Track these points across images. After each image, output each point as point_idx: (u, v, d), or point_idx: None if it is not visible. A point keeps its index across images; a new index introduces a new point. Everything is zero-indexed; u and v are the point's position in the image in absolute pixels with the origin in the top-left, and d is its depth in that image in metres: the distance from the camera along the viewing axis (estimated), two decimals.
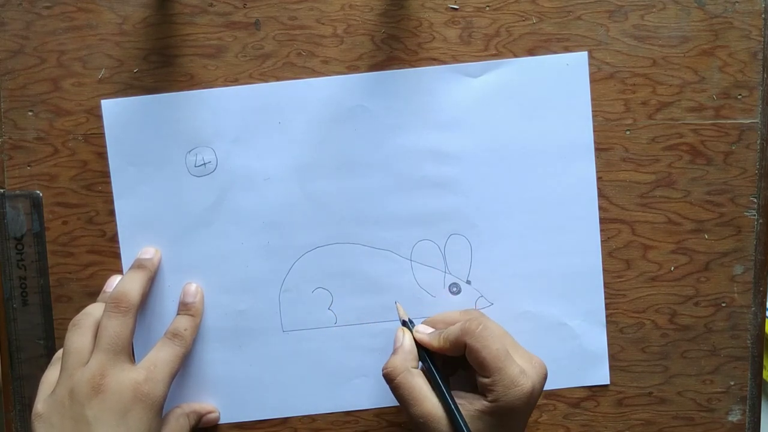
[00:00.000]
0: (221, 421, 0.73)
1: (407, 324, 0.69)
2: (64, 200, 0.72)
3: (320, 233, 0.72)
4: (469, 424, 0.62)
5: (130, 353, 0.67)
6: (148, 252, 0.72)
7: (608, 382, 0.74)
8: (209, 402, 0.73)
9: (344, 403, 0.73)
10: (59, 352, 0.68)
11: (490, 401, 0.62)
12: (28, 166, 0.72)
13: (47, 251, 0.72)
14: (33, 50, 0.71)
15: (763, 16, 0.72)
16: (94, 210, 0.72)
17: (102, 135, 0.72)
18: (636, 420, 0.74)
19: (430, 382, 0.65)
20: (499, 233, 0.72)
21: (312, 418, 0.74)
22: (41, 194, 0.72)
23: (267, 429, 0.74)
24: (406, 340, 0.68)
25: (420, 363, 0.67)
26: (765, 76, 0.72)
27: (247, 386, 0.73)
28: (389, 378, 0.65)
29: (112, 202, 0.72)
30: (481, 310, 0.73)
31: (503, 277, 0.73)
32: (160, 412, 0.66)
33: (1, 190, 0.72)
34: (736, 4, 0.71)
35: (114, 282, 0.72)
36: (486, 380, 0.62)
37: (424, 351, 0.67)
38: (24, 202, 0.72)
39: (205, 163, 0.72)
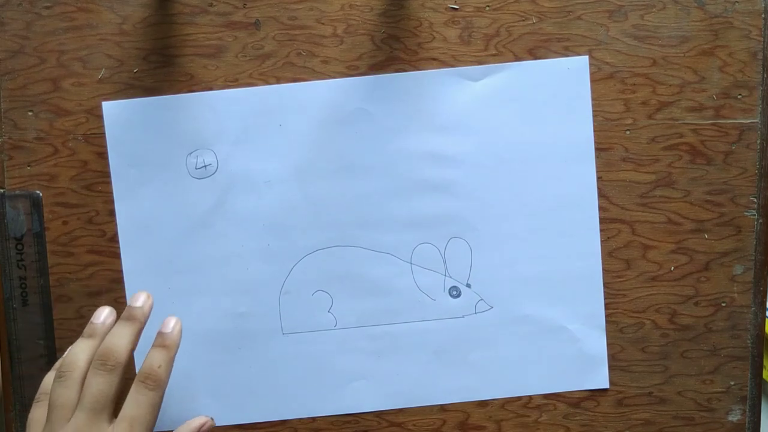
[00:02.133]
0: (221, 423, 0.73)
1: None
2: (64, 200, 0.72)
3: (320, 236, 0.72)
4: None
5: (112, 412, 0.66)
6: (139, 299, 0.69)
7: (607, 386, 0.74)
8: (205, 403, 0.73)
9: (344, 406, 0.73)
10: (46, 380, 0.68)
11: None
12: (28, 166, 0.72)
13: (47, 251, 0.72)
14: (33, 50, 0.71)
15: (763, 16, 0.72)
16: (94, 210, 0.72)
17: (102, 135, 0.72)
18: (636, 420, 0.74)
19: None
20: (499, 237, 0.72)
21: (312, 418, 0.74)
22: (41, 194, 0.72)
23: (267, 429, 0.74)
24: None
25: None
26: (765, 76, 0.72)
27: (246, 389, 0.73)
28: None
29: (112, 202, 0.72)
30: (481, 314, 0.73)
31: (503, 281, 0.73)
32: None
33: (1, 190, 0.72)
34: (736, 4, 0.71)
35: (101, 314, 0.69)
36: None
37: None
38: (24, 202, 0.72)
39: (205, 165, 0.72)
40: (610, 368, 0.74)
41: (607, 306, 0.73)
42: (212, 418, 0.73)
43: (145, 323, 0.69)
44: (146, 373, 0.66)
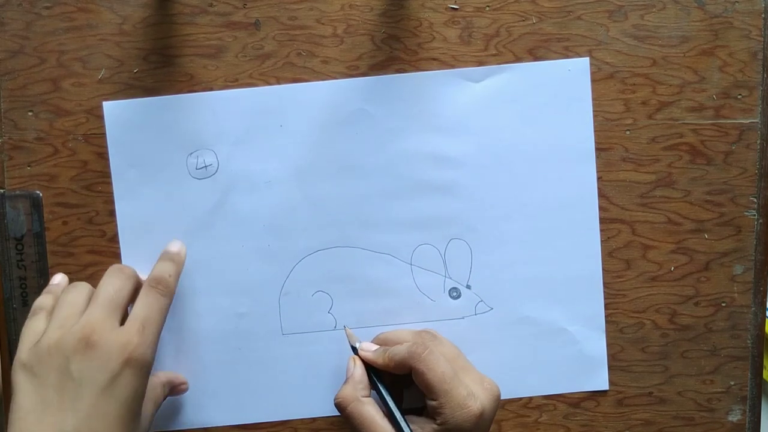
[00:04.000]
0: (221, 423, 0.73)
1: (357, 350, 0.70)
2: (64, 200, 0.72)
3: (321, 236, 0.72)
4: None
5: (123, 317, 0.66)
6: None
7: (607, 388, 0.74)
8: (205, 403, 0.73)
9: None
10: (38, 301, 0.67)
11: (438, 424, 0.63)
12: (28, 166, 0.72)
13: (47, 251, 0.72)
14: (33, 50, 0.71)
15: (763, 16, 0.72)
16: (94, 210, 0.72)
17: (102, 135, 0.72)
18: (636, 420, 0.74)
19: (383, 409, 0.66)
20: (499, 238, 0.72)
21: (312, 418, 0.74)
22: (41, 194, 0.72)
23: (267, 429, 0.74)
24: (357, 370, 0.69)
25: (372, 391, 0.68)
26: (765, 76, 0.72)
27: (246, 389, 0.73)
28: (340, 408, 0.66)
29: (112, 202, 0.72)
30: (481, 315, 0.73)
31: (503, 282, 0.73)
32: (147, 377, 0.64)
33: (1, 190, 0.72)
34: (736, 4, 0.71)
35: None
36: (434, 403, 0.64)
37: (375, 378, 0.68)
38: (24, 202, 0.72)
39: (206, 166, 0.72)
40: (610, 368, 0.74)
41: (607, 306, 0.73)
42: (186, 385, 0.73)
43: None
44: (157, 279, 0.68)
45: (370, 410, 0.66)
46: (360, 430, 0.65)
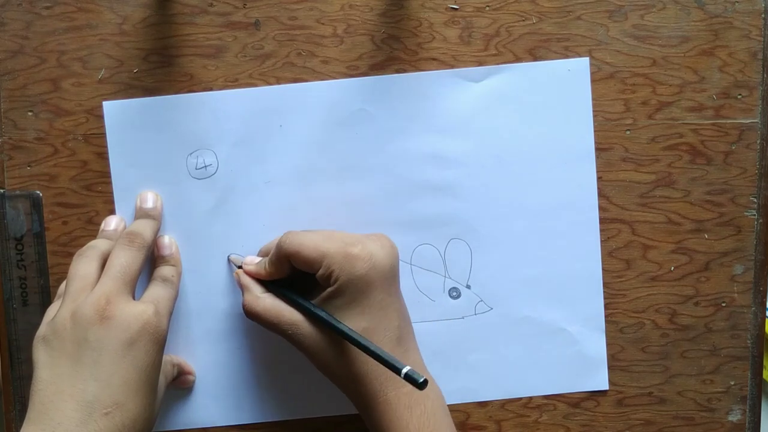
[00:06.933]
0: (221, 423, 0.73)
1: (241, 266, 0.71)
2: (64, 200, 0.72)
3: None
4: (324, 310, 0.64)
5: (134, 290, 0.66)
6: (149, 200, 0.71)
7: (607, 388, 0.74)
8: (205, 403, 0.73)
9: (343, 406, 0.73)
10: (62, 286, 0.67)
11: (332, 284, 0.64)
12: (28, 166, 0.72)
13: (47, 251, 0.72)
14: (33, 50, 0.71)
15: (763, 16, 0.72)
16: (94, 210, 0.72)
17: (102, 135, 0.72)
18: (636, 420, 0.74)
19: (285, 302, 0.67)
20: (499, 238, 0.72)
21: (312, 418, 0.74)
22: (41, 194, 0.72)
23: (266, 429, 0.74)
24: (244, 278, 0.69)
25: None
26: (765, 76, 0.72)
27: (246, 389, 0.73)
28: (249, 313, 0.67)
29: (112, 202, 0.72)
30: (480, 315, 0.73)
31: (503, 282, 0.73)
32: (163, 348, 0.64)
33: (1, 190, 0.72)
34: (736, 4, 0.71)
35: (111, 221, 0.71)
36: (321, 271, 0.64)
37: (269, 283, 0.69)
38: (24, 202, 0.72)
39: (206, 166, 0.72)
40: (610, 368, 0.74)
41: (607, 306, 0.73)
42: (193, 376, 0.74)
43: (160, 221, 0.71)
44: (162, 277, 0.69)
45: (272, 302, 0.67)
46: (273, 322, 0.66)
